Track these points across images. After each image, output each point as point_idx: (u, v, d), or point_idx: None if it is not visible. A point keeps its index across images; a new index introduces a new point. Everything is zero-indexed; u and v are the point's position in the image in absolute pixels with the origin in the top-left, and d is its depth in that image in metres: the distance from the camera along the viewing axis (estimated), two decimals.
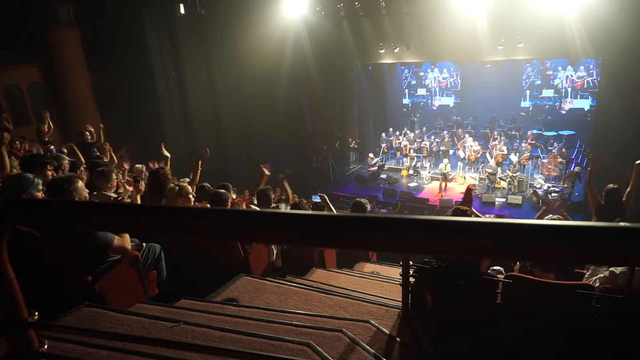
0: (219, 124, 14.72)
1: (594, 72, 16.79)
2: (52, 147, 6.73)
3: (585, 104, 17.81)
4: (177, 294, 3.16)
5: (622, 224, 0.58)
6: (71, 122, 11.91)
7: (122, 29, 11.97)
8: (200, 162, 5.39)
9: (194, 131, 13.84)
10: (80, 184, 3.03)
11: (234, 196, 4.86)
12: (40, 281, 2.43)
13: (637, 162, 4.20)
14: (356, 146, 17.11)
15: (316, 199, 7.46)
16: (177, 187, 4.07)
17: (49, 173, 3.92)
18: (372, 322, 2.71)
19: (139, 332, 2.22)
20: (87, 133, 7.41)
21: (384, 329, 2.65)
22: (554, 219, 4.27)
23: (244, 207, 4.55)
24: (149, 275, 3.39)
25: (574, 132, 16.64)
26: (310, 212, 0.69)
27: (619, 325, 2.46)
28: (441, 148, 15.87)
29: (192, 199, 4.24)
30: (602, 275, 2.84)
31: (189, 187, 4.24)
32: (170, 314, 2.56)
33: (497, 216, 9.99)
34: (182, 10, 12.95)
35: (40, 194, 3.00)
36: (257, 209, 4.68)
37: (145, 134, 13.26)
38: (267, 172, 5.69)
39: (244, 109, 14.89)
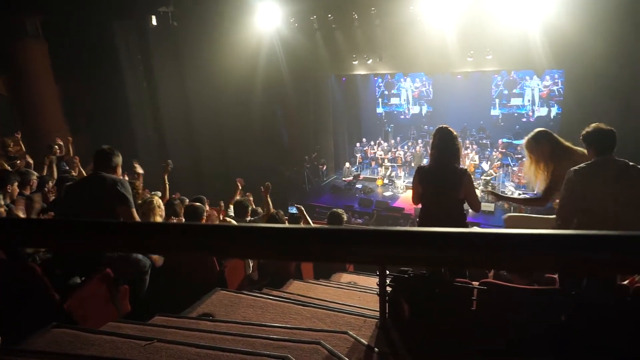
0: (192, 136, 14.53)
1: (559, 81, 17.43)
2: (18, 162, 6.52)
3: (551, 112, 18.45)
4: (151, 311, 3.08)
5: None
6: (38, 136, 11.54)
7: (91, 41, 11.73)
8: (166, 176, 5.31)
9: (166, 143, 13.61)
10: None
11: (207, 207, 4.79)
12: (5, 302, 2.33)
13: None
14: (325, 167, 17.18)
15: (292, 210, 7.44)
16: (148, 201, 3.99)
17: (14, 189, 3.81)
18: (350, 333, 2.70)
19: (110, 352, 2.15)
20: (56, 147, 7.21)
21: (362, 340, 2.65)
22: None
23: (220, 218, 4.48)
24: (121, 290, 3.30)
25: None
26: (299, 226, 0.69)
27: (593, 329, 2.53)
28: (412, 163, 16.11)
29: (164, 212, 4.16)
30: None
31: (160, 200, 4.16)
32: (144, 332, 2.49)
33: (471, 224, 10.15)
34: (154, 22, 12.81)
35: (2, 210, 2.90)
36: (233, 221, 4.63)
37: (116, 147, 12.86)
38: (240, 185, 5.69)
39: (218, 120, 14.76)
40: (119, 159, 3.57)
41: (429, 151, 3.78)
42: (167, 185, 5.31)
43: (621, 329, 2.53)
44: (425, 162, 15.95)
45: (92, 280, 2.85)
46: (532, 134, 3.84)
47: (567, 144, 3.78)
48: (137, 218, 3.35)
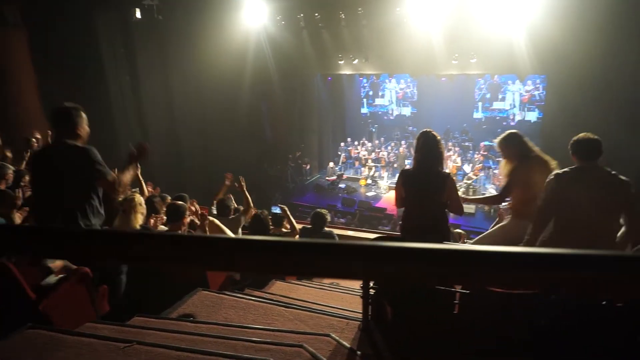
0: (175, 132, 14.31)
1: (540, 86, 17.76)
2: None
3: (532, 116, 18.81)
4: (130, 311, 3.02)
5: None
6: (16, 128, 11.22)
7: (73, 32, 11.43)
8: (134, 162, 5.00)
9: (149, 139, 13.37)
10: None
11: (194, 208, 4.73)
12: None
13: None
14: (309, 167, 17.17)
15: (276, 209, 7.40)
16: (129, 199, 3.91)
17: None
18: (333, 335, 2.69)
19: (88, 355, 2.09)
20: (33, 139, 7.02)
21: (344, 343, 2.64)
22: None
23: (200, 218, 4.41)
24: (99, 290, 3.23)
25: None
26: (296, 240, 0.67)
27: (571, 332, 2.57)
28: (396, 164, 16.21)
29: (145, 209, 4.10)
30: None
31: (141, 198, 4.09)
32: (123, 334, 2.43)
33: (452, 226, 10.25)
34: (138, 15, 12.56)
35: None
36: (216, 220, 4.58)
37: (97, 141, 12.50)
38: (227, 182, 5.62)
39: (203, 116, 14.57)
40: (81, 119, 3.12)
41: (413, 152, 3.84)
42: (143, 182, 5.24)
43: (597, 332, 2.58)
44: (408, 163, 16.10)
45: (70, 280, 2.78)
46: (503, 134, 4.06)
47: (535, 149, 3.92)
48: (115, 178, 3.14)
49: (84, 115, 3.16)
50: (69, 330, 2.34)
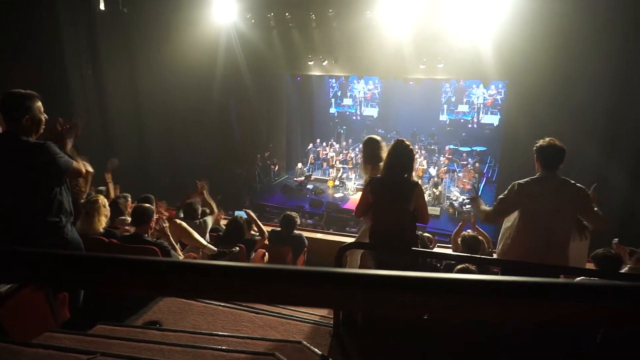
0: (140, 130, 13.82)
1: (502, 91, 18.36)
2: None
3: (494, 119, 19.44)
4: (92, 318, 2.89)
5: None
6: None
7: (32, 20, 10.91)
8: (109, 175, 5.06)
9: (112, 136, 12.89)
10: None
11: (161, 214, 4.59)
12: None
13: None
14: (277, 167, 17.07)
15: (241, 213, 7.28)
16: (92, 201, 3.76)
17: None
18: (304, 342, 2.67)
19: None
20: None
21: (315, 350, 2.63)
22: (470, 235, 4.55)
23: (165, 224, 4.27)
24: (59, 296, 3.07)
25: (485, 149, 18.03)
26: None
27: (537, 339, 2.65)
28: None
29: (109, 211, 3.95)
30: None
31: (105, 200, 3.95)
32: (85, 344, 2.33)
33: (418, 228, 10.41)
34: (102, 6, 12.10)
35: None
36: (184, 223, 4.46)
37: (56, 137, 11.85)
38: (204, 192, 5.40)
39: (169, 114, 14.14)
40: (32, 108, 2.81)
41: (382, 158, 3.87)
42: (111, 184, 5.07)
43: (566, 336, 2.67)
44: None
45: (26, 286, 2.63)
46: (366, 137, 4.30)
47: (382, 156, 3.99)
48: (77, 164, 3.07)
49: (38, 102, 2.88)
50: (26, 341, 2.21)
